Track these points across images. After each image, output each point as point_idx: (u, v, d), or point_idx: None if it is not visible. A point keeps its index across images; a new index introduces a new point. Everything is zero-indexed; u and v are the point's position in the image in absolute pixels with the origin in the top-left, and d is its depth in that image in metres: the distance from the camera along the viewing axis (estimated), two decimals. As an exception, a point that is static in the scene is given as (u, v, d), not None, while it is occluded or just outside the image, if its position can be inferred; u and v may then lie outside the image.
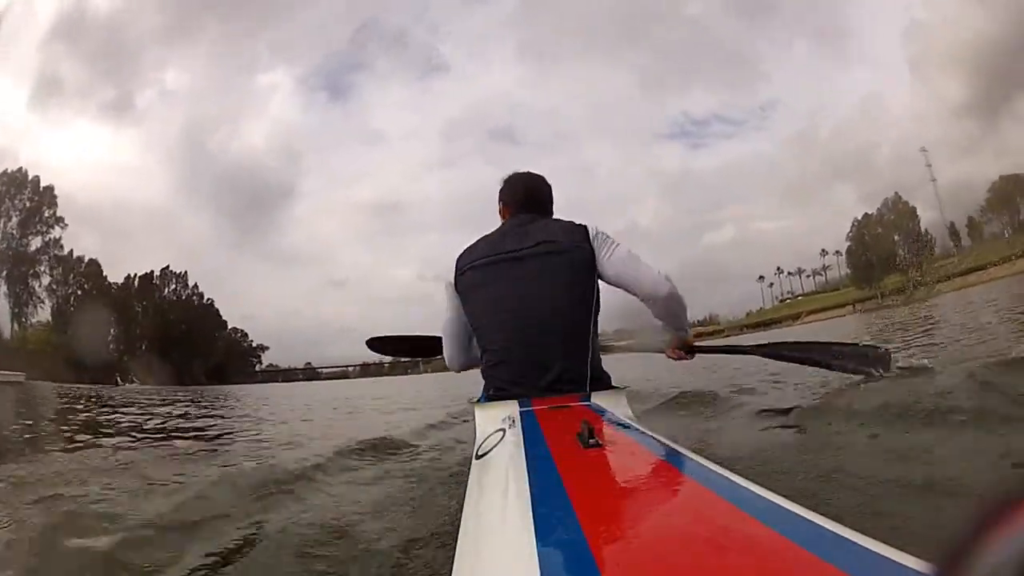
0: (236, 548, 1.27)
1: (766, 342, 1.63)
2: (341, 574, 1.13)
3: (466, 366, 1.42)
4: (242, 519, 1.46)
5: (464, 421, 3.07)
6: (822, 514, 0.42)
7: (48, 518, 1.46)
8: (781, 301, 49.55)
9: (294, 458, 2.33)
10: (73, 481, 2.01)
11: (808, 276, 49.12)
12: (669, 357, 1.52)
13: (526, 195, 1.39)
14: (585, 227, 1.27)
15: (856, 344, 1.65)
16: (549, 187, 1.43)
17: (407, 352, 2.02)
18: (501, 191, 1.42)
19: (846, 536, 0.39)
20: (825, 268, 48.30)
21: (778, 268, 49.85)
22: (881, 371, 1.61)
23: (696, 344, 1.51)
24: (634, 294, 1.26)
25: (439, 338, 1.47)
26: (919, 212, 38.44)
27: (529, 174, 1.44)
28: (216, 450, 3.28)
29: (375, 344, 2.06)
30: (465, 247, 1.34)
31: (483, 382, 1.34)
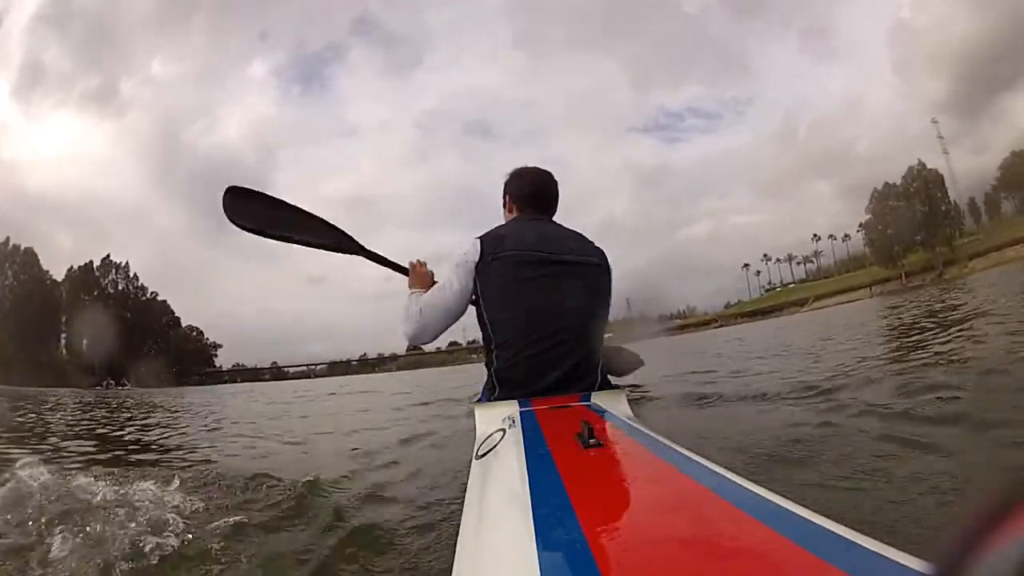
0: (232, 547, 1.29)
1: None
2: (341, 574, 1.16)
3: (421, 335, 1.36)
4: (235, 520, 1.47)
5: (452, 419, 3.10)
6: (822, 514, 0.45)
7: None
8: (767, 291, 50.42)
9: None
10: None
11: (799, 263, 50.14)
12: None
13: (537, 192, 1.42)
14: (603, 252, 1.38)
15: None
16: (556, 184, 1.46)
17: (272, 228, 1.54)
18: (508, 183, 1.45)
19: (846, 536, 0.41)
20: (817, 254, 49.29)
21: (765, 255, 50.76)
22: None
23: None
24: None
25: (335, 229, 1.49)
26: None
27: (540, 170, 1.46)
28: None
29: (234, 194, 1.55)
30: (487, 232, 1.34)
31: (483, 382, 1.38)
